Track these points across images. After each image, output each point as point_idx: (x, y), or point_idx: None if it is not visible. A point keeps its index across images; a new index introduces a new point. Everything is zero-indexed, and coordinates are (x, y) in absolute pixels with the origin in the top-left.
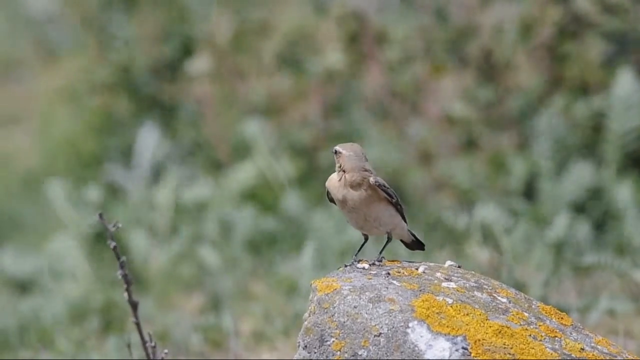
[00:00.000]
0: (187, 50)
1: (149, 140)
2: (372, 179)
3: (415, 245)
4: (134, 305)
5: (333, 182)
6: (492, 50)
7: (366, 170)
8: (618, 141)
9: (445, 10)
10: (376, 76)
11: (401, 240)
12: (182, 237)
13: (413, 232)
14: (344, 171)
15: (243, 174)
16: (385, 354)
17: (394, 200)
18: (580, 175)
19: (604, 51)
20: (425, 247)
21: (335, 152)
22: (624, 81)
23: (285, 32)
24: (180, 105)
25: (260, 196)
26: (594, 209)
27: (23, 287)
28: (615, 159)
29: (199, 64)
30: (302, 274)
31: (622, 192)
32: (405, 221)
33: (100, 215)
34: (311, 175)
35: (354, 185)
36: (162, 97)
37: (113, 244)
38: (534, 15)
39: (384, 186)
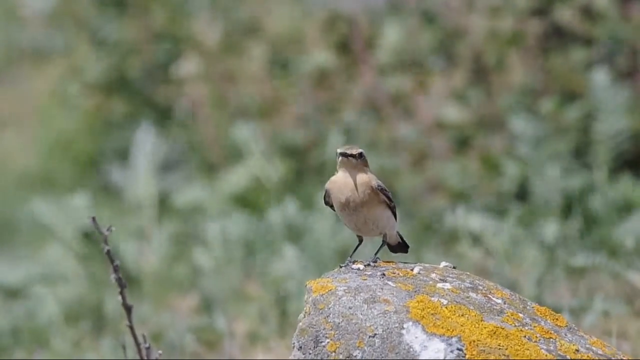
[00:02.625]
0: (180, 52)
1: (146, 142)
2: (374, 183)
3: (399, 247)
4: (128, 309)
5: (336, 184)
6: (483, 52)
7: (369, 174)
8: (608, 143)
9: (432, 12)
10: (368, 78)
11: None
12: (173, 238)
13: (400, 234)
14: (354, 173)
15: (236, 176)
16: (380, 355)
17: (392, 205)
18: (572, 177)
19: (587, 58)
20: (409, 249)
21: (351, 154)
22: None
23: (274, 35)
24: (174, 107)
25: (253, 198)
26: (587, 210)
27: (15, 291)
28: (607, 161)
29: (188, 66)
30: (289, 276)
31: (614, 193)
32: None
33: (93, 219)
34: (303, 176)
35: (358, 188)
36: (155, 99)
37: (107, 248)
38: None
39: (385, 190)
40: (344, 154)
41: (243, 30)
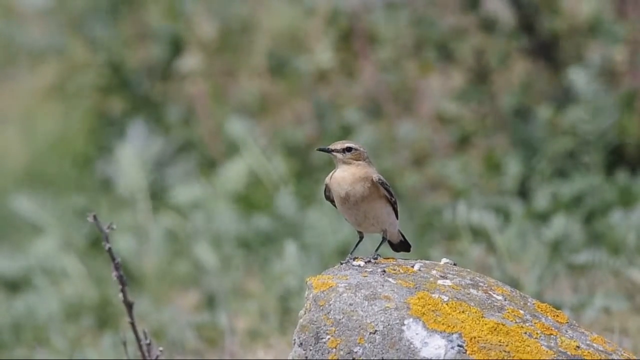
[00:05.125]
0: (177, 48)
1: (138, 139)
2: (375, 177)
3: (401, 246)
4: (129, 306)
5: (336, 179)
6: (484, 51)
7: (370, 168)
8: (599, 142)
9: (431, 11)
10: (368, 75)
11: (388, 240)
12: (170, 235)
13: (402, 232)
14: (354, 167)
15: (236, 173)
16: (381, 351)
17: (392, 200)
18: (571, 176)
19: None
20: (411, 249)
21: (350, 149)
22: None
23: (274, 31)
24: (172, 104)
25: (254, 195)
26: (586, 208)
27: (14, 286)
28: (601, 159)
29: (188, 62)
30: (290, 273)
31: (611, 191)
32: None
33: (95, 217)
34: (304, 173)
35: (358, 182)
36: (153, 96)
37: (108, 246)
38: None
39: (386, 184)
40: (322, 149)
41: (241, 27)
